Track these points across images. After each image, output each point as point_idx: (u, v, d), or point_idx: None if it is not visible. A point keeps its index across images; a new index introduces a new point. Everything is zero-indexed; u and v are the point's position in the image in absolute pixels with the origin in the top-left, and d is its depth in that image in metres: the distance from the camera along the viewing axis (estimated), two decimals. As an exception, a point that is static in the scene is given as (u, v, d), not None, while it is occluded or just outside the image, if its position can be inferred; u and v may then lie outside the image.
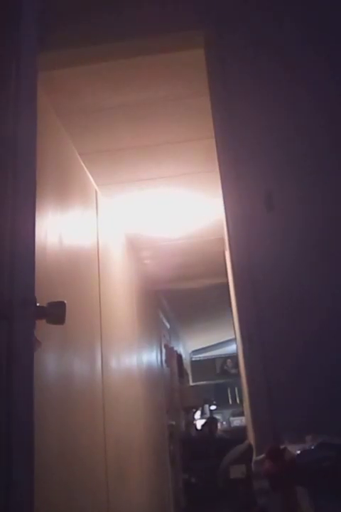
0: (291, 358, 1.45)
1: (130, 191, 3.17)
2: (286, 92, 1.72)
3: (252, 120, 1.71)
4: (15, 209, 1.21)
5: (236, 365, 6.20)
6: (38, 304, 1.16)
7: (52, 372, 1.82)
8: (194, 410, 7.68)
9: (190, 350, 9.66)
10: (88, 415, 2.21)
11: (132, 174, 2.97)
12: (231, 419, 8.86)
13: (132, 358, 3.56)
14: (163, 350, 5.59)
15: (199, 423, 7.79)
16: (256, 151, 1.67)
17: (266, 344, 1.47)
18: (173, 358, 6.38)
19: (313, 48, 1.76)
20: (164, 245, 4.22)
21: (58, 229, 2.06)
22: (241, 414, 7.21)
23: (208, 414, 8.63)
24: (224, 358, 9.51)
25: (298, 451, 1.07)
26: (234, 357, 8.06)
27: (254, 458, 1.47)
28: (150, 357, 4.62)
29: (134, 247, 4.11)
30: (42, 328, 1.23)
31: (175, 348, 6.87)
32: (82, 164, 2.69)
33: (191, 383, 9.05)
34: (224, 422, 8.91)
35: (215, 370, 9.64)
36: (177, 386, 6.36)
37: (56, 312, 1.20)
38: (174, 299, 6.02)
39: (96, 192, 2.97)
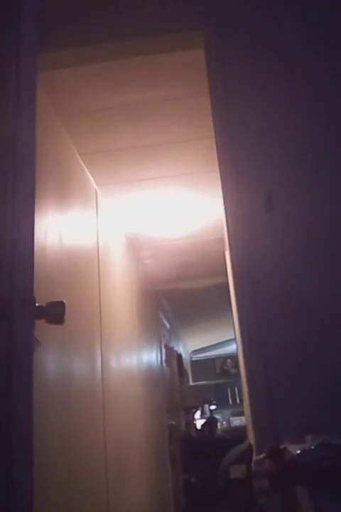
0: (291, 358, 1.45)
1: (130, 191, 3.17)
2: (286, 92, 1.72)
3: (252, 120, 1.71)
4: (15, 209, 1.21)
5: (236, 365, 6.21)
6: (37, 304, 1.16)
7: (52, 372, 1.82)
8: (194, 410, 7.68)
9: (190, 350, 9.67)
10: (88, 415, 2.21)
11: (132, 174, 2.97)
12: (231, 419, 8.86)
13: (132, 358, 3.56)
14: (163, 350, 5.59)
15: (199, 423, 7.79)
16: (256, 151, 1.67)
17: (266, 344, 1.47)
18: (173, 358, 6.38)
19: (313, 48, 1.76)
20: (164, 245, 4.22)
21: (58, 229, 2.06)
22: (241, 414, 7.21)
23: (208, 414, 8.63)
24: (224, 358, 9.51)
25: (298, 451, 1.07)
26: (234, 357, 8.06)
27: (254, 458, 1.47)
28: (150, 357, 4.62)
29: (134, 247, 4.11)
30: (42, 328, 1.23)
31: (175, 348, 6.87)
32: (82, 164, 2.69)
33: (191, 383, 9.05)
34: (224, 422, 8.91)
35: (215, 370, 9.64)
36: (177, 386, 6.36)
37: (55, 312, 1.20)
38: (174, 299, 6.02)
39: (96, 192, 2.97)
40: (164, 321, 6.10)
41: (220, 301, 4.47)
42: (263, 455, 1.15)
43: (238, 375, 4.13)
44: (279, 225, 1.58)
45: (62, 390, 1.90)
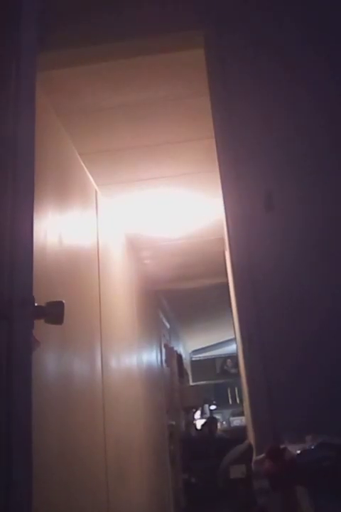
0: (291, 358, 1.45)
1: (130, 191, 3.17)
2: (286, 92, 1.72)
3: (252, 120, 1.71)
4: (15, 208, 1.21)
5: (236, 365, 6.20)
6: (36, 304, 1.16)
7: (52, 372, 1.82)
8: (194, 410, 7.69)
9: (190, 350, 9.67)
10: (88, 415, 2.21)
11: (132, 174, 2.97)
12: (231, 419, 8.87)
13: (132, 358, 3.56)
14: (163, 350, 5.59)
15: (199, 423, 7.79)
16: (256, 151, 1.67)
17: (266, 344, 1.47)
18: (173, 358, 6.38)
19: (313, 48, 1.76)
20: (164, 245, 4.22)
21: (58, 229, 2.06)
22: (241, 414, 7.21)
23: (208, 414, 8.64)
24: (224, 358, 9.51)
25: (298, 451, 1.07)
26: (234, 357, 8.06)
27: (254, 458, 1.47)
28: (150, 357, 4.62)
29: (134, 247, 4.11)
30: (43, 328, 1.23)
31: (175, 348, 6.87)
32: (82, 164, 2.69)
33: (191, 383, 9.05)
34: (224, 422, 8.91)
35: (215, 370, 9.64)
36: (177, 386, 6.36)
37: (54, 312, 1.20)
38: (174, 299, 6.02)
39: (96, 192, 2.97)
40: (164, 321, 6.10)
41: (220, 301, 4.47)
42: (263, 455, 1.15)
43: (238, 375, 4.13)
44: (279, 225, 1.58)
45: (62, 390, 1.90)
